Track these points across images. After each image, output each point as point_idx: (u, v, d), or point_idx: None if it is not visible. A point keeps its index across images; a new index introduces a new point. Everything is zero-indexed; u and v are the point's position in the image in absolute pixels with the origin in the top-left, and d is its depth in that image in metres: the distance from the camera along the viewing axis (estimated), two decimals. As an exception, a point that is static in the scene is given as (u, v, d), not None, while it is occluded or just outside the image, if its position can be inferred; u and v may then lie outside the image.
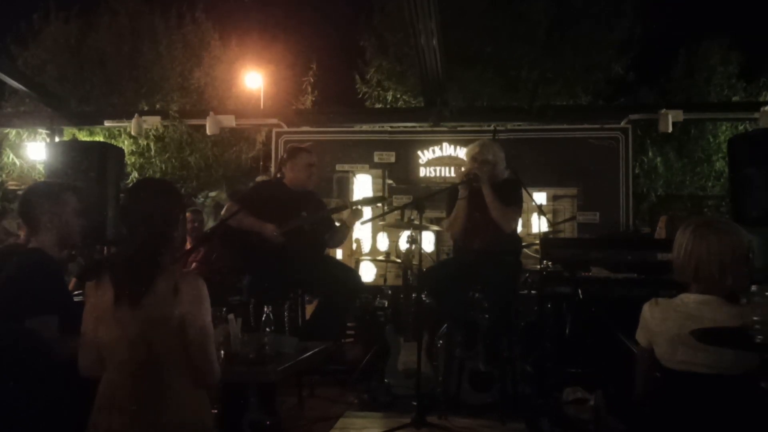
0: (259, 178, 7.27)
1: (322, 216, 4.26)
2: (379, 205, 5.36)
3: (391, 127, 6.89)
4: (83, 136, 9.01)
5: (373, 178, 6.46)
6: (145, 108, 9.11)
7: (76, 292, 2.95)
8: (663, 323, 2.15)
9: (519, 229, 4.27)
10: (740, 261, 2.10)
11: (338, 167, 6.38)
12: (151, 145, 9.83)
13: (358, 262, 5.68)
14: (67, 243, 2.58)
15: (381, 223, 5.44)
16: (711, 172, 10.24)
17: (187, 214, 4.19)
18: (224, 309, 2.69)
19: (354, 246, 5.84)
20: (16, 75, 7.19)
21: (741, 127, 8.56)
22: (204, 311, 1.93)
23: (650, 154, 9.95)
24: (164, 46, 10.62)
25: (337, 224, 4.35)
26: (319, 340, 3.18)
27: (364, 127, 6.95)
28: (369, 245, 6.26)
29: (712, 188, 10.26)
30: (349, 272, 4.38)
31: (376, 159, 6.49)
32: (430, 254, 5.35)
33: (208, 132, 7.18)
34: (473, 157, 3.99)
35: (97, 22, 10.70)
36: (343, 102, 10.64)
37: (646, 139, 9.73)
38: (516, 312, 4.09)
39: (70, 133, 8.53)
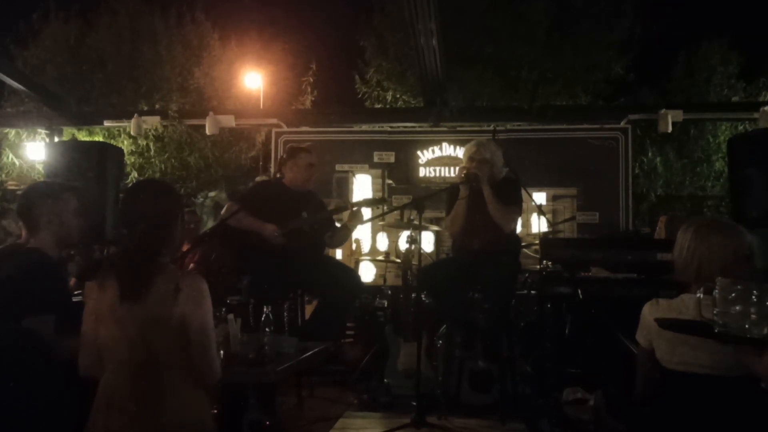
0: (258, 178, 7.25)
1: (322, 216, 4.25)
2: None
3: (390, 127, 6.89)
4: (83, 136, 9.01)
5: (373, 178, 6.46)
6: (145, 108, 9.11)
7: (75, 292, 2.94)
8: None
9: (519, 229, 4.27)
10: (741, 261, 2.10)
11: (338, 167, 6.38)
12: (151, 145, 9.83)
13: (357, 262, 5.68)
14: (67, 243, 2.59)
15: (381, 223, 5.44)
16: (711, 172, 10.24)
17: (184, 216, 4.18)
18: (224, 309, 2.69)
19: (354, 246, 5.84)
20: (16, 75, 7.18)
21: (741, 127, 8.56)
22: (205, 311, 1.93)
23: (650, 154, 9.96)
24: (164, 46, 10.60)
25: (338, 225, 4.34)
26: (319, 341, 3.18)
27: (364, 127, 6.95)
28: (369, 245, 6.25)
29: (711, 188, 10.25)
30: (349, 272, 4.37)
31: (375, 159, 6.50)
32: (429, 254, 5.35)
33: (207, 132, 7.19)
34: (471, 157, 3.98)
35: (97, 22, 10.68)
36: (343, 102, 10.66)
37: (646, 139, 9.73)
38: (516, 312, 4.09)
39: (69, 133, 8.52)
